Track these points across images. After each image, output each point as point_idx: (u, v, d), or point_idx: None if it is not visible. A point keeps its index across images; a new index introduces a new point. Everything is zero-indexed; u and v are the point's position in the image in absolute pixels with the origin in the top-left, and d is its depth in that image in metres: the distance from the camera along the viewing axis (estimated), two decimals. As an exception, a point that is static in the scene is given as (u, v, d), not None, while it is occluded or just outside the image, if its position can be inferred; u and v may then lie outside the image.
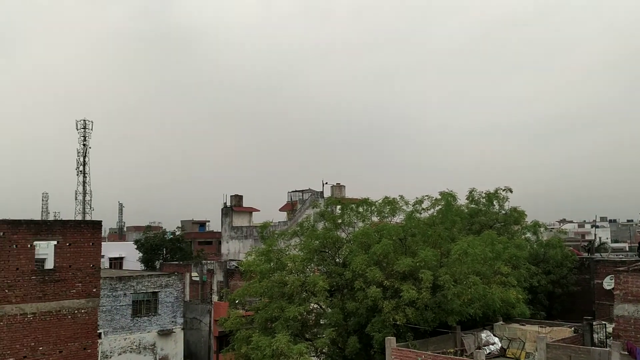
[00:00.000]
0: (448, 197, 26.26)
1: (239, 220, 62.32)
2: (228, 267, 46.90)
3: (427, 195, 26.94)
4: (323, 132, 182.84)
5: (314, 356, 23.45)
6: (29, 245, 24.01)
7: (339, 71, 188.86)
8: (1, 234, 23.28)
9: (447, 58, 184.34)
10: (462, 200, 29.84)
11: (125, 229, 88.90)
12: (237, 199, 63.72)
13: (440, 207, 26.53)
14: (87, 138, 72.12)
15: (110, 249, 55.88)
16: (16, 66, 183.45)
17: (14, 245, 23.53)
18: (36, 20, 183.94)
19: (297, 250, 26.23)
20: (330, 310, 24.06)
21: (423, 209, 26.62)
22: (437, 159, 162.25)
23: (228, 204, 62.75)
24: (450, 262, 21.84)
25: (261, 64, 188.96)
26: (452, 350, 20.41)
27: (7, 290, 23.15)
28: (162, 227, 75.54)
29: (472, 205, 32.33)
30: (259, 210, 66.34)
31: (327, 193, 54.45)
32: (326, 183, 55.71)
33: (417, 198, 26.73)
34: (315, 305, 24.79)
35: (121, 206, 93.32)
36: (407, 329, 20.96)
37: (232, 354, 25.87)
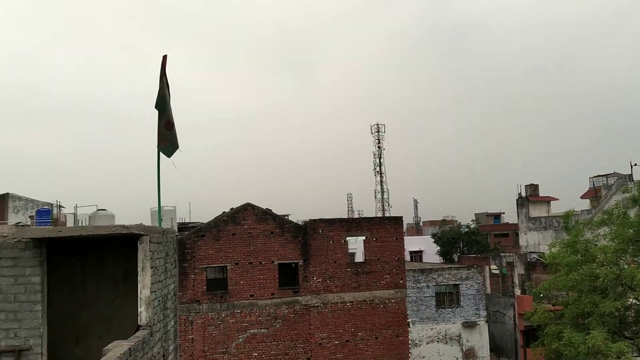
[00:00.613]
0: None
1: (535, 211, 59.53)
2: (529, 260, 45.25)
3: None
4: (624, 108, 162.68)
5: (636, 356, 21.25)
6: (342, 241, 26.90)
7: (633, 37, 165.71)
8: (320, 231, 26.56)
9: None
10: None
11: (421, 224, 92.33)
12: (533, 188, 60.94)
13: None
14: (380, 140, 77.17)
15: (409, 243, 58.66)
16: (315, 80, 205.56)
17: (331, 241, 26.61)
18: (329, 34, 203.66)
19: (606, 240, 24.09)
20: (654, 306, 21.53)
21: None
22: None
23: (523, 194, 60.49)
24: None
25: (542, 44, 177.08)
26: None
27: (328, 281, 26.30)
28: (456, 221, 76.46)
29: None
30: (557, 199, 62.32)
31: (637, 176, 48.47)
32: (635, 164, 49.65)
33: None
34: (634, 301, 22.44)
35: (416, 202, 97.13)
36: None
37: (542, 350, 24.97)
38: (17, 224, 28.96)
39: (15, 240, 7.11)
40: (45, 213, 29.41)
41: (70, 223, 33.11)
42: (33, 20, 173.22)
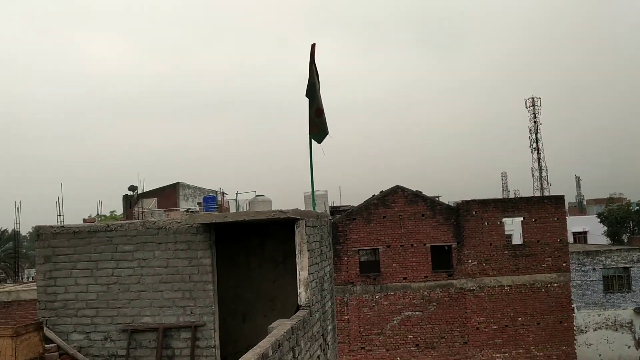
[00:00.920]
0: None
1: None
2: None
3: None
4: None
5: None
6: (498, 222, 25.91)
7: None
8: (474, 212, 25.80)
9: None
10: None
11: (584, 203, 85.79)
12: None
13: None
14: (537, 115, 72.75)
15: (572, 224, 54.97)
16: (465, 56, 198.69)
17: (486, 223, 25.75)
18: (477, 7, 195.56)
19: None
20: None
21: None
22: None
23: None
24: None
25: None
26: None
27: (484, 264, 25.53)
28: (625, 199, 69.99)
29: None
30: None
31: None
32: None
33: None
34: None
35: (578, 179, 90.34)
36: None
37: None
38: (187, 211, 31.70)
39: (188, 225, 7.78)
40: (211, 200, 31.86)
41: (232, 209, 35.51)
42: (190, 22, 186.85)
